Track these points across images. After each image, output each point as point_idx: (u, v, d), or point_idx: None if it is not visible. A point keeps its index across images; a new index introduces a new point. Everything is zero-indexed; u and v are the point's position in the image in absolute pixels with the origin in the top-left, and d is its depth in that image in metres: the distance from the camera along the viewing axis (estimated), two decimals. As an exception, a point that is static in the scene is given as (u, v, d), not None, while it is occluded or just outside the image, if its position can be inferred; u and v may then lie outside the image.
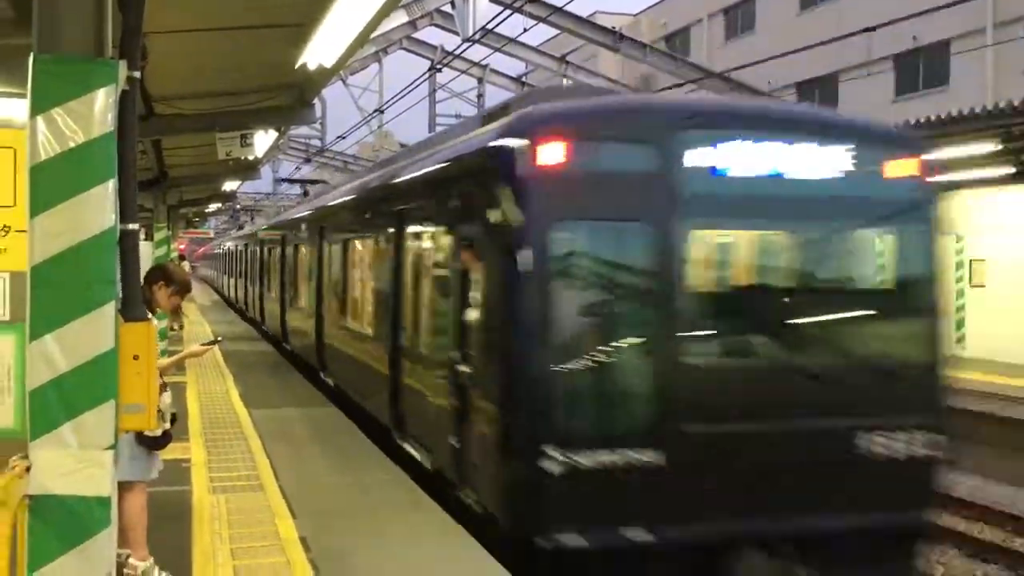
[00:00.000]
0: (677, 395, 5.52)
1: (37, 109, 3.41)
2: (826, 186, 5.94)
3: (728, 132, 5.80)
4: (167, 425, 5.27)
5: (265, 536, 6.16)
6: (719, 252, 6.19)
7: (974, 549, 10.04)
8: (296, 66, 7.14)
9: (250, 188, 41.49)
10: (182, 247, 33.94)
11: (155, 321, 3.95)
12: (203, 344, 5.95)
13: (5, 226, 3.77)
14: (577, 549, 5.31)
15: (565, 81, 32.75)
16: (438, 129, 27.08)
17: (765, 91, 23.67)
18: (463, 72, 26.47)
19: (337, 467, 8.13)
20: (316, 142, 32.25)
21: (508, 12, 16.56)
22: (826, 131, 6.07)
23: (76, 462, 3.39)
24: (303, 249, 15.08)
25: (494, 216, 5.75)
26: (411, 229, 8.15)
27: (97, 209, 3.42)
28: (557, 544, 5.31)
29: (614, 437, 5.42)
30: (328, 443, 9.10)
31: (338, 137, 28.05)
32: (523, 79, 28.95)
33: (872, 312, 6.35)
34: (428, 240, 7.61)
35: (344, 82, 27.27)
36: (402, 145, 33.99)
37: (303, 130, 30.87)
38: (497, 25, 18.59)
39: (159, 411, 4.95)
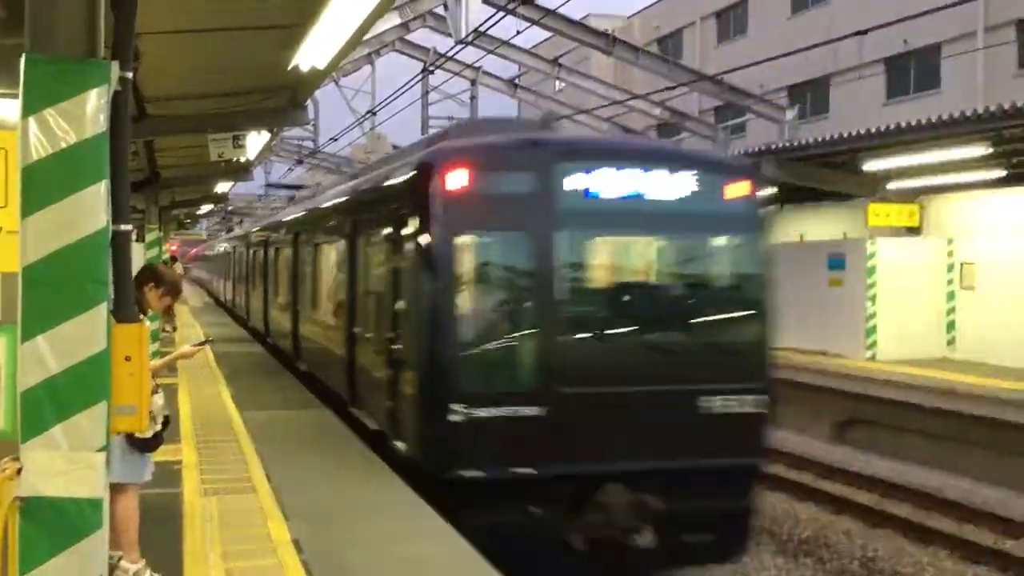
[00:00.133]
0: (554, 365, 7.22)
1: (29, 110, 3.40)
2: (675, 204, 7.71)
3: (595, 163, 7.54)
4: (158, 427, 5.25)
5: (257, 538, 6.14)
6: (589, 255, 7.84)
7: (965, 551, 10.07)
8: (289, 68, 7.12)
9: (243, 190, 41.43)
10: (174, 249, 33.83)
11: (147, 323, 3.93)
12: (194, 345, 5.94)
13: (-3, 227, 3.76)
14: (477, 480, 7.01)
15: (557, 84, 32.79)
16: (430, 131, 27.10)
17: (757, 94, 23.76)
18: (456, 74, 26.52)
19: (330, 469, 8.12)
20: (309, 144, 32.21)
21: (501, 14, 16.58)
22: (676, 161, 7.88)
23: (68, 464, 3.38)
24: (279, 252, 16.71)
25: (414, 228, 7.47)
26: (360, 237, 9.81)
27: (89, 210, 3.40)
28: (462, 477, 7.02)
29: (505, 397, 7.11)
30: (321, 445, 9.08)
31: (331, 139, 28.03)
32: (516, 81, 28.98)
33: (712, 302, 8.17)
34: (372, 246, 9.24)
35: (337, 84, 27.26)
36: (395, 147, 34.03)
37: (295, 132, 30.84)
38: (490, 27, 18.60)
39: (150, 413, 4.93)
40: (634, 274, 8.16)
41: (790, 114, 23.04)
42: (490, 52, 22.04)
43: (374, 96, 29.43)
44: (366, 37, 13.88)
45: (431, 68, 24.82)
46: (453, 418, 6.94)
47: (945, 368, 15.48)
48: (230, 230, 43.35)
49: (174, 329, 20.47)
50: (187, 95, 9.19)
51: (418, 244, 7.38)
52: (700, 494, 7.51)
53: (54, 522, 3.38)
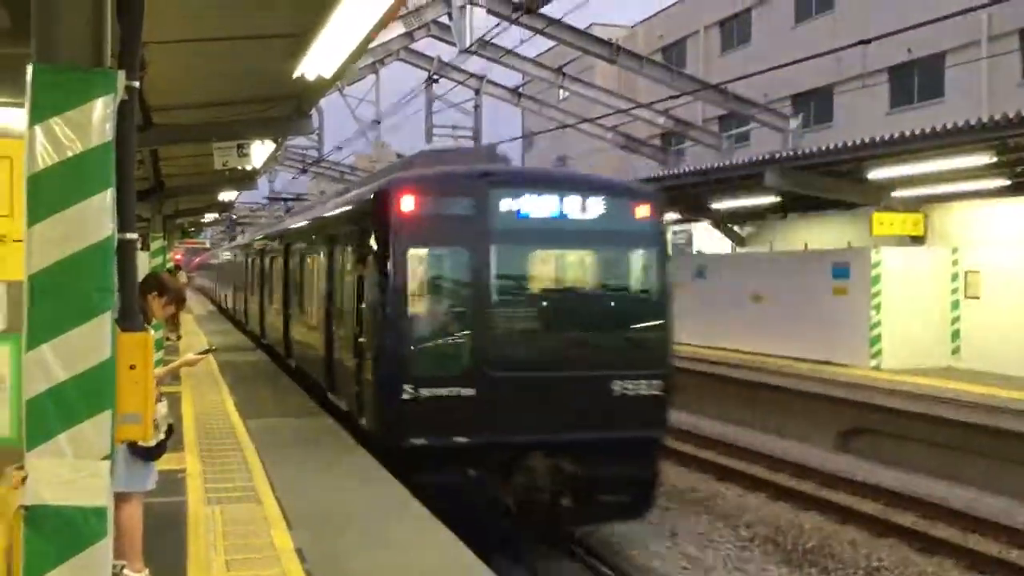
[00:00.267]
0: (486, 354, 9.08)
1: (35, 118, 3.40)
2: (590, 223, 9.62)
3: (524, 189, 9.48)
4: (162, 436, 5.24)
5: (261, 547, 6.13)
6: (518, 266, 9.79)
7: (971, 561, 10.03)
8: (294, 76, 7.13)
9: (248, 198, 41.50)
10: (178, 257, 33.87)
11: (152, 331, 3.93)
12: (197, 353, 5.94)
13: (2, 236, 3.76)
14: (422, 447, 8.80)
15: (561, 93, 32.79)
16: (434, 140, 27.11)
17: (761, 103, 23.77)
18: (460, 83, 26.53)
19: (332, 476, 8.12)
20: (313, 152, 32.24)
21: (505, 24, 16.60)
22: (591, 188, 9.80)
23: (72, 472, 3.37)
24: (273, 261, 18.43)
25: (375, 244, 9.36)
26: (335, 250, 11.80)
27: (95, 218, 3.40)
28: (411, 445, 8.80)
29: (446, 379, 8.96)
30: (325, 453, 9.08)
31: (335, 148, 28.09)
32: (520, 90, 29.01)
33: (622, 305, 10.20)
34: (344, 258, 11.24)
35: (341, 92, 27.29)
36: (399, 155, 33.97)
37: (300, 140, 30.90)
38: (494, 37, 18.63)
39: (154, 421, 4.92)
40: (555, 281, 10.24)
41: (794, 123, 23.06)
42: (494, 61, 22.08)
43: (378, 105, 29.47)
44: (371, 46, 13.87)
45: (435, 77, 24.87)
46: (405, 397, 8.75)
47: (950, 377, 15.44)
48: (232, 239, 43.44)
49: (178, 338, 20.48)
50: (192, 104, 9.21)
51: (377, 257, 9.28)
52: (612, 462, 9.31)
53: (59, 531, 3.37)
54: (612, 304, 10.20)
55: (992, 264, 16.19)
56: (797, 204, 19.84)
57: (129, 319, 3.59)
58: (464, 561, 5.94)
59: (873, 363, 16.53)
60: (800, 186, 16.77)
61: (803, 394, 16.16)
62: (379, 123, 27.13)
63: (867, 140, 14.39)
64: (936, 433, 13.84)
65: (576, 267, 10.40)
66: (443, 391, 8.87)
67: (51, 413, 3.36)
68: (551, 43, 25.10)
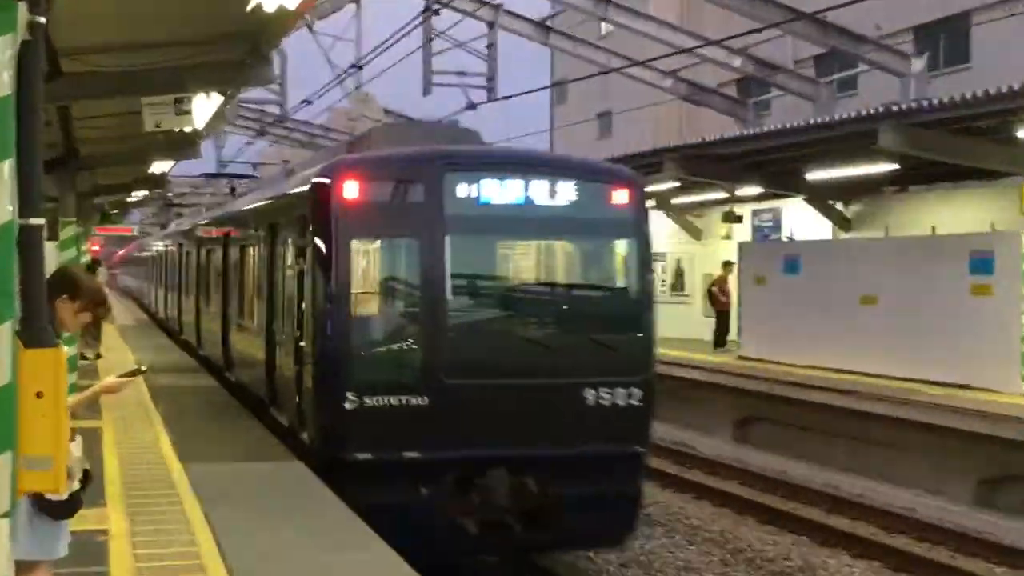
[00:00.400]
0: (439, 359, 10.11)
1: (-89, 66, 3.43)
2: (559, 210, 10.63)
3: (482, 172, 10.45)
4: (76, 486, 5.27)
5: (208, 634, 6.15)
6: (475, 259, 10.92)
7: None
8: (248, 8, 7.18)
9: (188, 169, 41.69)
10: (96, 248, 34.12)
11: (64, 347, 3.96)
12: (122, 375, 5.95)
13: None
14: (368, 462, 9.89)
15: (604, 27, 32.88)
16: (433, 91, 27.20)
17: (872, 38, 23.66)
18: (469, 14, 26.52)
19: (302, 539, 8.14)
20: (274, 109, 32.40)
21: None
22: (559, 170, 10.95)
23: (-39, 534, 3.40)
24: (211, 255, 19.49)
25: (314, 235, 10.35)
26: (276, 242, 12.75)
27: (-11, 198, 3.43)
28: (354, 459, 9.91)
29: (395, 387, 9.99)
30: (291, 508, 9.11)
31: (303, 102, 28.18)
32: (548, 24, 29.04)
33: (596, 302, 11.36)
34: (284, 251, 12.20)
35: (311, 29, 27.42)
36: (386, 111, 34.05)
37: (258, 93, 31.07)
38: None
39: (67, 467, 4.95)
40: (518, 276, 11.32)
41: (917, 64, 22.93)
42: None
43: (359, 45, 29.58)
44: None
45: (435, 7, 24.90)
46: (347, 406, 9.83)
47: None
48: (165, 226, 43.67)
49: (97, 356, 20.59)
50: (114, 46, 9.28)
51: (317, 250, 10.26)
52: (585, 480, 10.23)
53: (-57, 612, 3.40)
54: (585, 302, 11.36)
55: None
56: (921, 173, 19.73)
57: (35, 331, 3.61)
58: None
59: (1027, 387, 16.39)
60: (926, 149, 16.67)
61: (931, 429, 16.06)
62: (360, 68, 27.21)
63: (1017, 87, 14.29)
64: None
65: (544, 260, 11.59)
66: (391, 400, 9.96)
67: (-67, 456, 3.39)
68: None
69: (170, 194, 42.20)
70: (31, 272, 3.63)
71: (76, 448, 5.27)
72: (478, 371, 10.23)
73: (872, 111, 16.99)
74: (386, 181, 10.38)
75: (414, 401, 9.97)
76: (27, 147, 3.54)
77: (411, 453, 9.96)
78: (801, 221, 24.05)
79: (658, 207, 26.94)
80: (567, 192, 10.62)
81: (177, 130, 11.63)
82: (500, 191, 10.46)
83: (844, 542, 13.48)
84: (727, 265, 23.89)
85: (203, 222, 23.08)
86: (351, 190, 10.11)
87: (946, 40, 29.71)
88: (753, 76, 27.43)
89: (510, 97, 23.94)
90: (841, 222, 23.09)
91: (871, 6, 18.71)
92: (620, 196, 10.83)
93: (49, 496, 5.02)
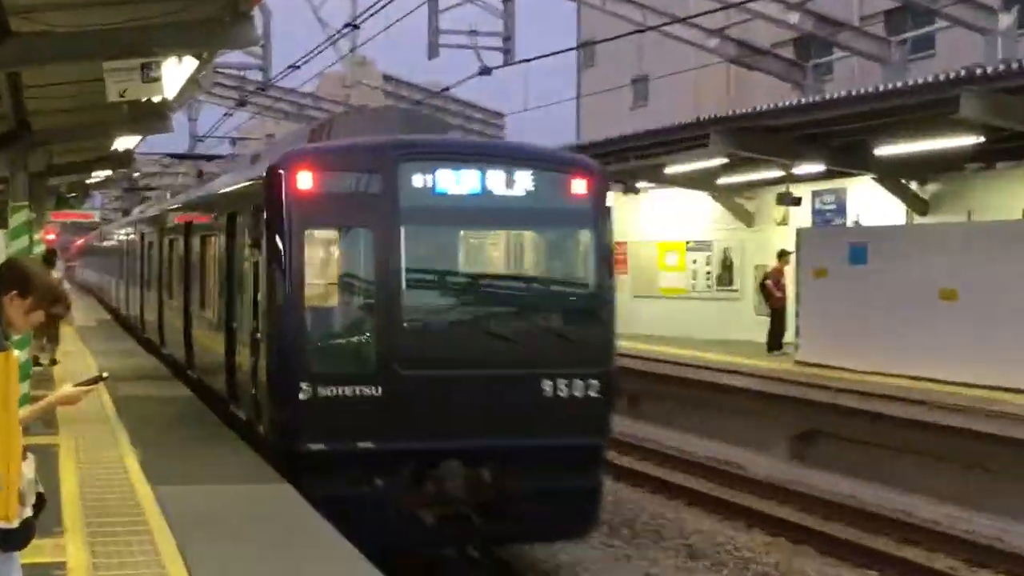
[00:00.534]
0: (394, 349, 11.43)
1: None
2: (516, 200, 11.94)
3: (438, 162, 11.74)
4: (29, 512, 5.28)
5: None
6: (430, 249, 12.38)
7: None
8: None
9: (157, 145, 41.77)
10: (51, 237, 34.25)
11: (15, 352, 3.96)
12: (81, 384, 5.95)
13: None
14: (321, 453, 11.25)
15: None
16: (441, 53, 27.21)
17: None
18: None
19: (289, 574, 8.15)
20: (256, 75, 32.45)
21: None
22: (517, 159, 12.18)
23: None
24: (173, 245, 20.79)
25: (268, 225, 11.74)
26: (235, 232, 14.12)
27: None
28: (308, 450, 11.28)
29: (349, 377, 11.34)
30: (275, 538, 9.12)
31: (289, 67, 28.17)
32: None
33: (554, 294, 12.86)
34: (241, 242, 13.50)
35: (298, -18, 27.42)
36: (386, 77, 34.03)
37: (237, 57, 31.15)
38: None
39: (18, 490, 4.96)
40: (475, 267, 12.98)
41: (1005, 20, 22.81)
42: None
43: (355, 1, 29.60)
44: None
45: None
46: (301, 396, 11.14)
47: None
48: (126, 213, 43.76)
49: (52, 361, 20.66)
50: (71, 2, 9.30)
51: (271, 240, 11.64)
52: (542, 472, 11.46)
53: None
54: (543, 293, 12.93)
55: None
56: (1010, 148, 19.63)
57: (-22, 333, 3.63)
58: None
59: None
60: (1016, 119, 16.59)
61: (1019, 444, 15.98)
62: (356, 28, 27.21)
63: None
64: None
65: (501, 251, 13.31)
66: (346, 391, 11.28)
67: None
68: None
69: (136, 174, 42.36)
70: (-27, 264, 3.64)
71: (29, 469, 5.28)
72: (433, 362, 11.54)
73: (952, 75, 16.93)
74: (341, 171, 11.75)
75: (368, 392, 11.29)
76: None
77: (365, 444, 11.27)
78: (869, 203, 23.97)
79: (701, 188, 26.92)
80: (524, 182, 11.90)
81: (144, 100, 11.66)
82: (456, 181, 11.73)
83: (919, 577, 13.47)
84: (783, 255, 23.82)
85: (164, 210, 24.38)
86: (305, 180, 11.42)
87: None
88: (813, 34, 27.32)
89: (530, 60, 23.88)
90: (916, 204, 23.00)
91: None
92: (579, 186, 12.13)
93: (-3, 524, 5.03)
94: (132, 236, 30.99)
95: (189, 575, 8.14)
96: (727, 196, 27.27)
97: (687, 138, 21.82)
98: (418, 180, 11.63)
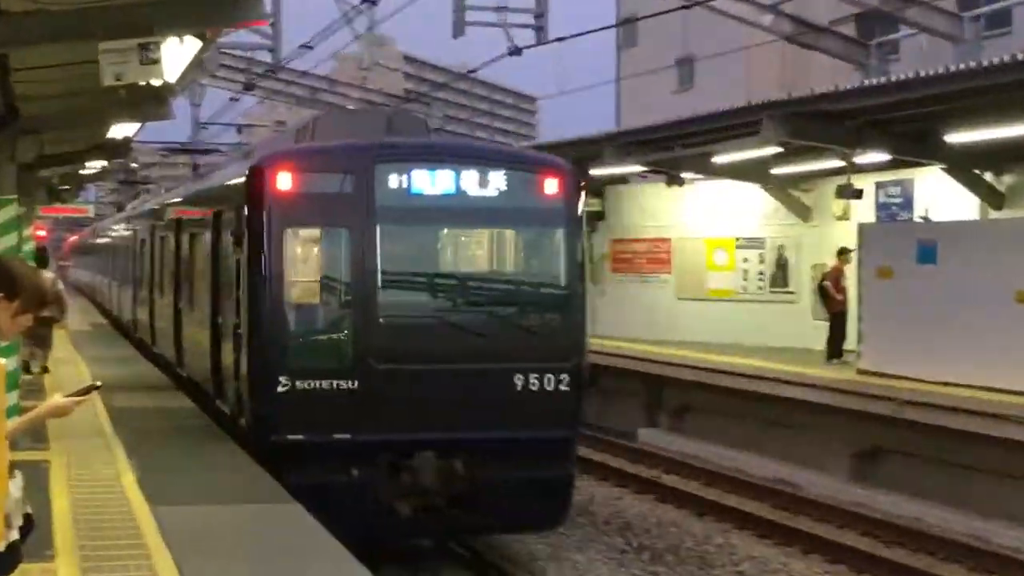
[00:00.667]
0: (370, 344, 13.24)
1: None
2: (490, 200, 13.79)
3: (413, 163, 13.59)
4: (15, 535, 5.31)
5: None
6: (405, 248, 14.23)
7: None
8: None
9: (156, 134, 41.92)
10: (42, 234, 34.44)
11: (2, 360, 3.99)
12: (73, 394, 5.98)
13: None
14: (299, 444, 13.00)
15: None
16: (467, 31, 27.27)
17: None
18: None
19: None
20: (265, 57, 32.49)
21: None
22: (490, 160, 14.11)
23: None
24: (164, 243, 22.48)
25: (249, 224, 13.51)
26: (220, 230, 15.92)
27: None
28: (286, 441, 13.03)
29: (326, 371, 13.14)
30: (282, 561, 9.15)
31: (301, 47, 28.28)
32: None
33: (525, 290, 14.59)
34: (225, 240, 15.37)
35: (311, -46, 27.47)
36: (407, 58, 34.17)
37: (244, 37, 31.21)
38: None
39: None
40: (450, 264, 14.84)
41: (1089, -6, 22.66)
42: None
43: (373, -25, 29.59)
44: None
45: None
46: (280, 389, 12.91)
47: None
48: (120, 208, 43.90)
49: (43, 369, 20.76)
50: (63, -23, 9.33)
51: (252, 239, 13.39)
52: (514, 464, 13.24)
53: None
54: (515, 290, 14.73)
55: None
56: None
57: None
58: None
59: None
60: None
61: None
62: (374, 4, 27.28)
63: None
64: None
65: (474, 249, 15.25)
66: (323, 384, 13.07)
67: None
68: None
69: (134, 165, 42.49)
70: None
71: (15, 487, 5.31)
72: (407, 356, 13.38)
73: (1030, 56, 16.85)
74: (320, 172, 13.76)
75: (345, 385, 13.12)
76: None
77: (341, 435, 13.10)
78: (938, 196, 23.86)
79: (752, 179, 26.83)
80: (497, 182, 13.81)
81: (143, 84, 11.67)
82: (431, 182, 13.63)
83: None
84: (843, 253, 23.74)
85: (153, 207, 26.60)
86: (285, 181, 13.31)
87: None
88: (877, 10, 27.23)
89: (564, 39, 23.89)
90: (991, 198, 22.88)
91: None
92: (551, 186, 14.05)
93: (-18, 546, 5.06)
94: (123, 233, 32.52)
95: (191, 603, 8.17)
96: (781, 188, 27.16)
97: (737, 124, 21.75)
98: (394, 181, 13.50)
